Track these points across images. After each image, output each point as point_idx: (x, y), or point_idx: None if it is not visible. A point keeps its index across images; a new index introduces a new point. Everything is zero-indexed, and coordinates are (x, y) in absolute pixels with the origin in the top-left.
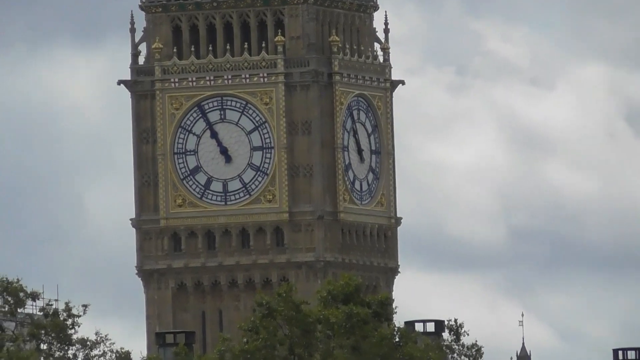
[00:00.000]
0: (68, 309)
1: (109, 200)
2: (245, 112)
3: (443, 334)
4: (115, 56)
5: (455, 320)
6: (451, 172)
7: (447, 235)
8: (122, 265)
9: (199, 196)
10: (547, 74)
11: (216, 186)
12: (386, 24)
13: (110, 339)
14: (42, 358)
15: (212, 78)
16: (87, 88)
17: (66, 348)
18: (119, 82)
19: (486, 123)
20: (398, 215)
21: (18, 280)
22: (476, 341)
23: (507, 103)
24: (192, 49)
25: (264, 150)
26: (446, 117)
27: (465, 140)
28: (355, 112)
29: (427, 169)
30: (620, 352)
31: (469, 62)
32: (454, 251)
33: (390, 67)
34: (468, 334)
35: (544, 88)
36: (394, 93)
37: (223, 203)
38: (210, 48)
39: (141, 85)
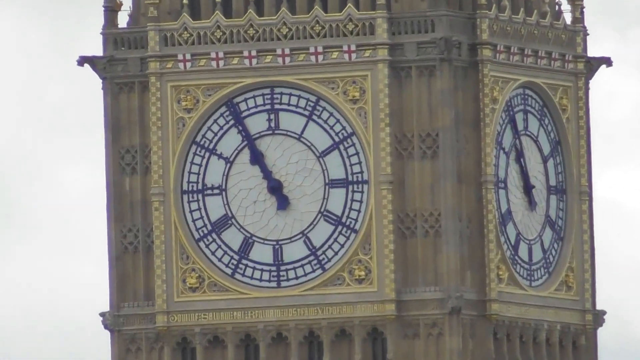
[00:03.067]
0: None
1: (60, 282)
2: (315, 117)
3: None
4: (75, 13)
5: None
6: None
7: None
8: None
9: (229, 272)
10: None
11: (261, 253)
12: None
13: None
14: None
15: (254, 54)
16: (20, 66)
17: None
18: (81, 61)
19: None
20: (598, 307)
21: None
22: None
23: None
24: None
25: (351, 187)
26: None
27: None
28: (520, 117)
29: (630, 221)
30: None
31: None
32: None
33: (586, 34)
34: None
35: None
36: (590, 81)
37: (274, 284)
38: None
39: (122, 67)
